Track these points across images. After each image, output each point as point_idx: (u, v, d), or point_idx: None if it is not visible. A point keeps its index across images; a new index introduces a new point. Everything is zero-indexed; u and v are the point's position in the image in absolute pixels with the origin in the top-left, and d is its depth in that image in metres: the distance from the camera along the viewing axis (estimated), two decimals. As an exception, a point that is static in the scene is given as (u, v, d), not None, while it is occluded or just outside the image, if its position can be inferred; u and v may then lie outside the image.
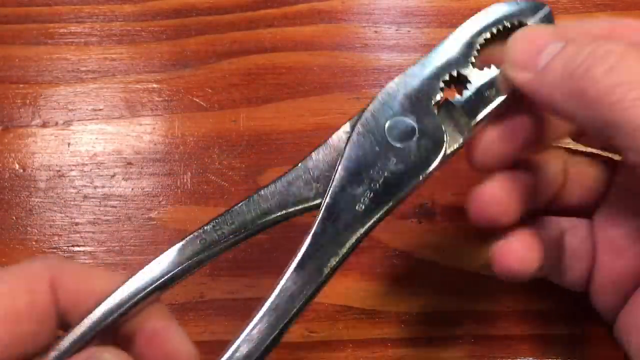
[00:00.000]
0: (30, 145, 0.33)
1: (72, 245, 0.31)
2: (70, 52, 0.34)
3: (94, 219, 0.31)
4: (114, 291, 0.20)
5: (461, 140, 0.22)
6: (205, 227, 0.22)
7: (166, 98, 0.33)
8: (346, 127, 0.22)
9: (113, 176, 0.32)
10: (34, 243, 0.31)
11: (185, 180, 0.32)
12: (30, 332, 0.20)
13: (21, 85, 0.33)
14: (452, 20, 0.35)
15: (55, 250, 0.31)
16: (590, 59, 0.19)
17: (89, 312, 0.20)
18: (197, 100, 0.33)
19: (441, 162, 0.22)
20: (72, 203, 0.31)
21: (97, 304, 0.20)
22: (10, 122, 0.33)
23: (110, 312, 0.20)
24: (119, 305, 0.20)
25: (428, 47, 0.34)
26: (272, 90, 0.33)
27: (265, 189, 0.22)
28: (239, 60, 0.34)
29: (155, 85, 0.33)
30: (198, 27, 0.34)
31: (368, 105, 0.22)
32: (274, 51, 0.34)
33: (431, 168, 0.21)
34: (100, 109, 0.33)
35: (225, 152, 0.32)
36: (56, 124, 0.33)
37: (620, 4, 0.35)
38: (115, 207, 0.31)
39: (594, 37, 0.20)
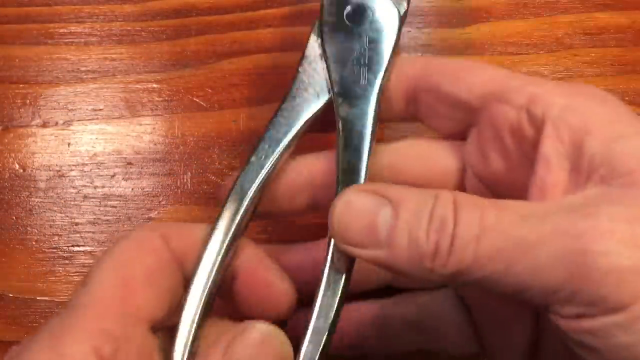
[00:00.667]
0: (30, 145, 0.33)
1: (72, 245, 0.31)
2: (70, 52, 0.34)
3: (94, 219, 0.31)
4: (212, 237, 0.22)
5: (405, 3, 0.27)
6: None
7: (166, 98, 0.33)
8: (313, 37, 0.26)
9: (113, 176, 0.32)
10: (34, 243, 0.31)
11: (185, 180, 0.32)
12: (168, 289, 0.21)
13: (21, 85, 0.33)
14: (452, 21, 0.35)
15: (55, 250, 0.31)
16: (431, 228, 0.18)
17: (199, 262, 0.22)
18: (197, 100, 0.33)
19: (401, 22, 0.26)
20: (72, 203, 0.31)
21: (203, 253, 0.22)
22: (10, 122, 0.33)
23: (217, 259, 0.22)
24: (223, 249, 0.22)
25: (428, 47, 0.34)
26: (272, 90, 0.33)
27: (276, 117, 0.25)
28: (239, 60, 0.34)
29: (155, 85, 0.33)
30: (198, 27, 0.34)
31: (320, 11, 0.25)
32: (274, 51, 0.34)
33: (396, 27, 0.26)
34: (100, 109, 0.33)
35: (225, 152, 0.32)
36: (56, 124, 0.33)
37: (620, 4, 0.35)
38: (115, 207, 0.31)
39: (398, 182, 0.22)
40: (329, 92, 0.25)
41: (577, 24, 0.35)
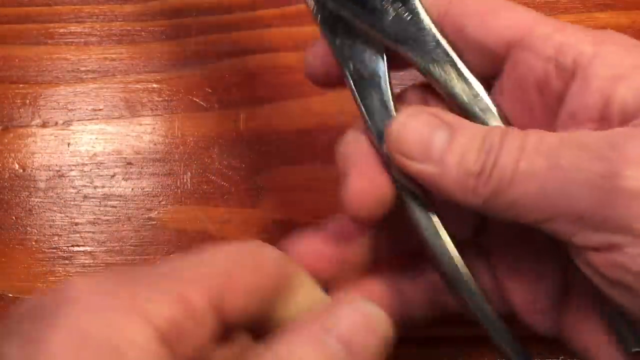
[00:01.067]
0: (30, 145, 0.33)
1: (72, 245, 0.31)
2: (70, 52, 0.34)
3: (94, 219, 0.31)
4: None
5: None
6: None
7: (166, 98, 0.33)
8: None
9: (113, 176, 0.32)
10: (33, 243, 0.31)
11: (185, 180, 0.32)
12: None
13: (21, 85, 0.33)
14: (452, 20, 0.35)
15: (55, 250, 0.31)
16: (481, 150, 0.20)
17: None
18: (197, 100, 0.33)
19: None
20: (72, 203, 0.31)
21: None
22: (10, 122, 0.33)
23: None
24: None
25: (428, 47, 0.34)
26: (272, 90, 0.33)
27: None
28: (239, 60, 0.34)
29: (155, 85, 0.33)
30: (198, 27, 0.35)
31: None
32: (274, 51, 0.34)
33: None
34: (100, 109, 0.33)
35: (225, 152, 0.32)
36: (56, 124, 0.33)
37: (620, 4, 0.35)
38: (115, 207, 0.31)
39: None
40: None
41: (577, 24, 0.34)
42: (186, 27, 0.34)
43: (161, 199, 0.31)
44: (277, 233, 0.31)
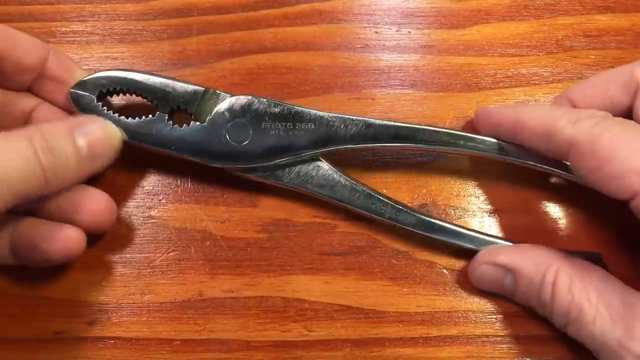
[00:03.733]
0: (32, 143, 0.33)
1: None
2: (72, 50, 0.34)
3: (95, 216, 0.31)
4: None
5: None
6: None
7: (167, 97, 0.33)
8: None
9: (113, 174, 0.32)
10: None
11: (185, 178, 0.32)
12: None
13: (23, 83, 0.34)
14: (453, 22, 0.35)
15: (55, 247, 0.31)
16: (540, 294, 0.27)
17: None
18: (198, 100, 0.33)
19: None
20: (73, 201, 0.31)
21: None
22: (11, 119, 0.33)
23: None
24: None
25: (428, 48, 0.34)
26: (273, 90, 0.33)
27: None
28: (240, 59, 0.34)
29: (156, 84, 0.33)
30: (199, 27, 0.35)
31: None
32: (275, 51, 0.34)
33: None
34: (101, 108, 0.33)
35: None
36: (57, 122, 0.33)
37: (620, 6, 0.35)
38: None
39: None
40: None
41: (577, 26, 0.35)
42: (187, 27, 0.35)
43: (161, 197, 0.31)
44: (276, 232, 0.31)
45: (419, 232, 0.29)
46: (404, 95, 0.33)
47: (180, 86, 0.29)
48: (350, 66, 0.34)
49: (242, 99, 0.29)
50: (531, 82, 0.34)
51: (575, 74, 0.34)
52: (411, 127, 0.29)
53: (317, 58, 0.34)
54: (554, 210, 0.31)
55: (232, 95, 0.30)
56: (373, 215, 0.29)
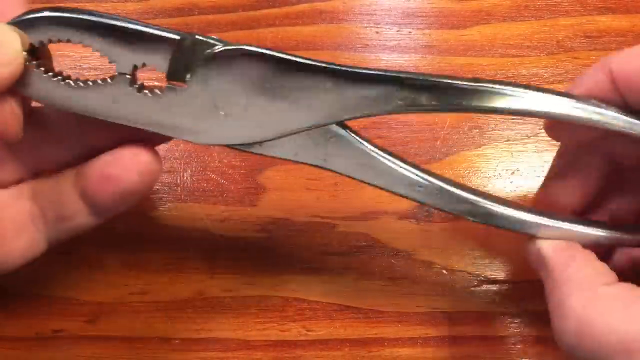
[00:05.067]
0: (32, 142, 0.33)
1: (71, 242, 0.31)
2: (72, 49, 0.34)
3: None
4: None
5: None
6: None
7: (167, 96, 0.33)
8: None
9: (113, 173, 0.32)
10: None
11: (185, 178, 0.32)
12: None
13: (23, 82, 0.34)
14: (454, 22, 0.35)
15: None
16: None
17: None
18: (198, 99, 0.33)
19: None
20: (72, 199, 0.31)
21: None
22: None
23: None
24: None
25: (429, 48, 0.34)
26: (273, 89, 0.33)
27: None
28: (240, 59, 0.34)
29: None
30: (200, 26, 0.35)
31: None
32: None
33: None
34: (101, 106, 0.33)
35: (226, 150, 0.32)
36: (57, 120, 0.33)
37: (621, 7, 0.35)
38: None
39: None
40: None
41: (577, 27, 0.35)
42: (188, 26, 0.35)
43: (161, 196, 0.32)
44: (276, 232, 0.31)
45: (460, 214, 0.24)
46: (404, 95, 0.33)
47: (148, 33, 0.21)
48: (351, 66, 0.34)
49: (236, 50, 0.21)
50: (531, 82, 0.34)
51: (576, 74, 0.34)
52: (455, 84, 0.21)
53: (317, 58, 0.34)
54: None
55: (223, 43, 0.21)
56: (401, 194, 0.23)
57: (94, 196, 0.22)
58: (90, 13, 0.21)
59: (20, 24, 0.20)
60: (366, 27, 0.35)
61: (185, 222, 0.31)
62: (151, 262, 0.30)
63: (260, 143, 0.22)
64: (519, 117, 0.33)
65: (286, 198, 0.31)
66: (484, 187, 0.32)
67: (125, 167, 0.22)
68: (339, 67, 0.21)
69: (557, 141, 0.26)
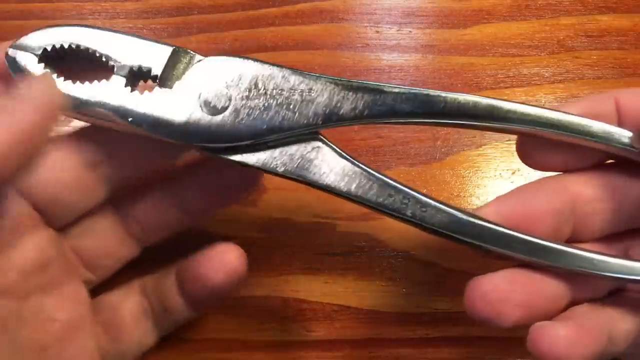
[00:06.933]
0: (31, 141, 0.33)
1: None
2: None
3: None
4: None
5: None
6: None
7: (167, 96, 0.33)
8: None
9: (113, 173, 0.32)
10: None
11: (185, 178, 0.32)
12: None
13: (22, 81, 0.34)
14: (454, 21, 0.35)
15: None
16: None
17: None
18: (198, 98, 0.33)
19: None
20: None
21: None
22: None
23: None
24: None
25: (429, 48, 0.34)
26: (273, 89, 0.33)
27: None
28: (240, 58, 0.34)
29: (156, 83, 0.33)
30: (199, 25, 0.35)
31: None
32: (275, 50, 0.34)
33: None
34: (101, 106, 0.33)
35: (225, 150, 0.32)
36: (57, 120, 0.33)
37: (621, 6, 0.35)
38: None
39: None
40: None
41: (578, 26, 0.35)
42: (187, 25, 0.34)
43: (161, 196, 0.31)
44: (277, 232, 0.31)
45: (451, 234, 0.22)
46: (405, 94, 0.33)
47: (143, 44, 0.23)
48: (351, 65, 0.34)
49: (221, 60, 0.23)
50: (532, 82, 0.33)
51: (577, 74, 0.34)
52: (445, 97, 0.22)
53: (317, 57, 0.34)
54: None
55: (208, 56, 0.23)
56: (390, 212, 0.23)
57: (189, 293, 0.25)
58: (94, 28, 0.23)
59: (33, 37, 0.23)
60: (366, 26, 0.35)
61: (185, 222, 0.31)
62: (150, 262, 0.30)
63: (239, 149, 0.23)
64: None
65: (286, 198, 0.31)
66: (485, 187, 0.31)
67: (213, 268, 0.24)
68: (321, 79, 0.23)
69: (540, 169, 0.25)
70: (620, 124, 0.23)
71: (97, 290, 0.26)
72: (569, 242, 0.23)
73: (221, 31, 0.34)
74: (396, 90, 0.23)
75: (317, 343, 0.29)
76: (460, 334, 0.29)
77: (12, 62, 0.23)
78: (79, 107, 0.23)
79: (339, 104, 0.23)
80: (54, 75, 0.23)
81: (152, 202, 0.26)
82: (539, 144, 0.23)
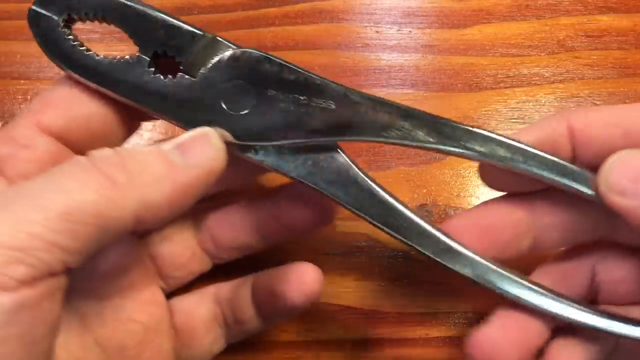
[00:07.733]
0: (31, 141, 0.33)
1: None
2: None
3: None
4: None
5: None
6: None
7: (167, 96, 0.33)
8: None
9: (113, 173, 0.32)
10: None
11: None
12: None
13: (22, 82, 0.34)
14: (454, 21, 0.35)
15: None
16: None
17: None
18: (198, 98, 0.33)
19: None
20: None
21: None
22: (11, 117, 0.33)
23: None
24: None
25: (429, 48, 0.34)
26: (273, 89, 0.33)
27: None
28: (240, 58, 0.34)
29: (156, 83, 0.33)
30: (199, 25, 0.34)
31: None
32: (275, 50, 0.34)
33: None
34: (101, 106, 0.33)
35: (225, 150, 0.32)
36: (57, 120, 0.33)
37: (621, 7, 0.35)
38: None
39: None
40: None
41: (578, 26, 0.35)
42: (188, 25, 0.34)
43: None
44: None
45: (443, 263, 0.23)
46: (405, 95, 0.33)
47: (173, 24, 0.22)
48: (351, 65, 0.34)
49: (249, 54, 0.22)
50: (532, 82, 0.33)
51: (576, 74, 0.34)
52: (463, 128, 0.22)
53: (317, 57, 0.34)
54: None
55: (238, 47, 0.22)
56: (388, 230, 0.23)
57: (264, 308, 0.25)
58: (132, 2, 0.23)
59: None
60: (366, 26, 0.35)
61: (185, 222, 0.31)
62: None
63: (255, 148, 0.23)
64: (519, 118, 0.33)
65: (286, 198, 0.31)
66: (484, 186, 0.31)
67: (291, 286, 0.24)
68: (346, 88, 0.22)
69: (499, 191, 0.25)
70: (575, 150, 0.23)
71: (171, 293, 0.27)
72: (531, 252, 0.24)
73: (221, 31, 0.34)
74: (424, 116, 0.23)
75: (317, 343, 0.29)
76: (460, 334, 0.29)
77: (34, 20, 0.22)
78: (100, 82, 0.22)
79: (362, 120, 0.22)
80: (76, 43, 0.22)
81: (230, 221, 0.26)
82: (497, 169, 0.23)
